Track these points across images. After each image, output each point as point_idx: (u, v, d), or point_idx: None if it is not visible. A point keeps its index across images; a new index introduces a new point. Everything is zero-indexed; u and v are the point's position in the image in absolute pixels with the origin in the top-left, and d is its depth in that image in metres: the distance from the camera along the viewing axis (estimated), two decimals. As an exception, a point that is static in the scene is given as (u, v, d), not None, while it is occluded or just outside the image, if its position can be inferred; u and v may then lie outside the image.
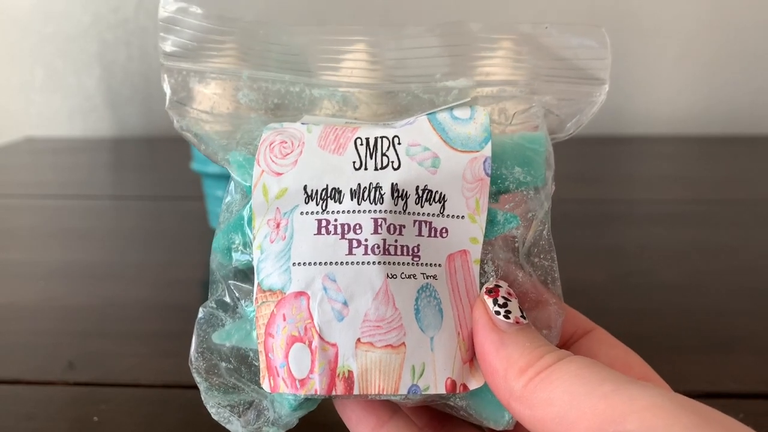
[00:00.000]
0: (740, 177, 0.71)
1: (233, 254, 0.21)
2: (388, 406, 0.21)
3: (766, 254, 0.49)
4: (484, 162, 0.20)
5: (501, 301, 0.19)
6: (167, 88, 0.22)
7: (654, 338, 0.36)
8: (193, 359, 0.21)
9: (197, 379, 0.21)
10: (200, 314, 0.22)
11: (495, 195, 0.21)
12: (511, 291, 0.20)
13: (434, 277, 0.20)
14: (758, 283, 0.44)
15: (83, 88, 0.97)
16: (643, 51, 0.88)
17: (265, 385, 0.20)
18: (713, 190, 0.66)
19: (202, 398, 0.21)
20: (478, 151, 0.20)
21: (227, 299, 0.22)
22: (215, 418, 0.21)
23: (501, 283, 0.20)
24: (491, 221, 0.20)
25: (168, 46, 0.22)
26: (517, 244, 0.21)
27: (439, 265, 0.20)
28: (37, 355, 0.36)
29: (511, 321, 0.19)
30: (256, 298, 0.20)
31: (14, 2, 0.93)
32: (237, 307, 0.21)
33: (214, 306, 0.22)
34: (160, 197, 0.68)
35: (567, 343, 0.22)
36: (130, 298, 0.44)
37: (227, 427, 0.21)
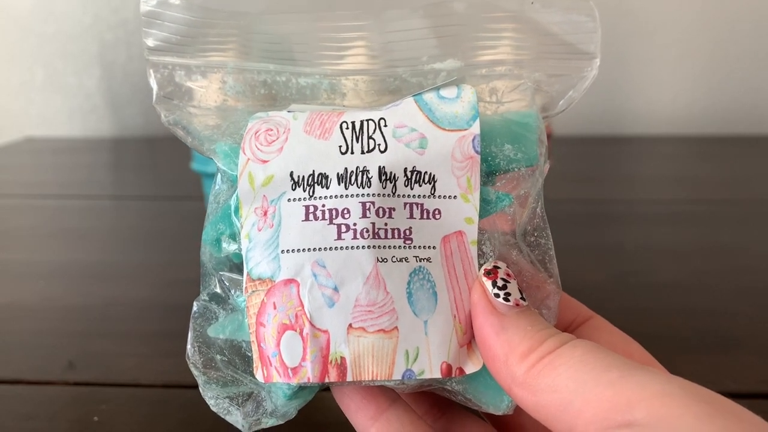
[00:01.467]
0: (740, 177, 0.71)
1: (223, 245, 0.21)
2: (388, 394, 0.20)
3: (766, 254, 0.49)
4: (473, 140, 0.20)
5: (500, 283, 0.19)
6: (153, 84, 0.22)
7: (654, 338, 0.36)
8: (189, 354, 0.21)
9: (195, 372, 0.21)
10: (194, 308, 0.21)
11: (486, 174, 0.20)
12: (510, 272, 0.19)
13: (428, 259, 0.19)
14: (758, 283, 0.44)
15: (83, 88, 0.97)
16: (643, 51, 0.88)
17: (259, 375, 0.20)
18: (713, 190, 0.66)
19: (201, 391, 0.21)
20: (466, 129, 0.20)
21: (219, 291, 0.22)
22: (214, 410, 0.21)
23: (500, 264, 0.19)
24: (483, 200, 0.20)
25: (151, 41, 0.22)
26: (511, 224, 0.21)
27: (434, 247, 0.20)
28: (37, 355, 0.36)
29: (510, 303, 0.18)
30: (246, 288, 0.20)
31: (14, 2, 0.93)
32: (229, 299, 0.21)
33: (207, 299, 0.22)
34: (160, 197, 0.68)
35: (566, 331, 0.22)
36: (130, 298, 0.44)
37: (227, 418, 0.21)
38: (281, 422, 0.21)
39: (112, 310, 0.42)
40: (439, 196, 0.20)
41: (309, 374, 0.19)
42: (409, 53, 0.22)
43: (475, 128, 0.20)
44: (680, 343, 0.36)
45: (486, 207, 0.20)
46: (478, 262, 0.20)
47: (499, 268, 0.19)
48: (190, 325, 0.21)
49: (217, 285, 0.22)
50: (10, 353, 0.37)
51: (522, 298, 0.18)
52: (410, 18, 0.22)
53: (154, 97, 0.22)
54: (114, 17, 0.93)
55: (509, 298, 0.18)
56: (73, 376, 0.34)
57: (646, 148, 0.85)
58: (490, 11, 0.22)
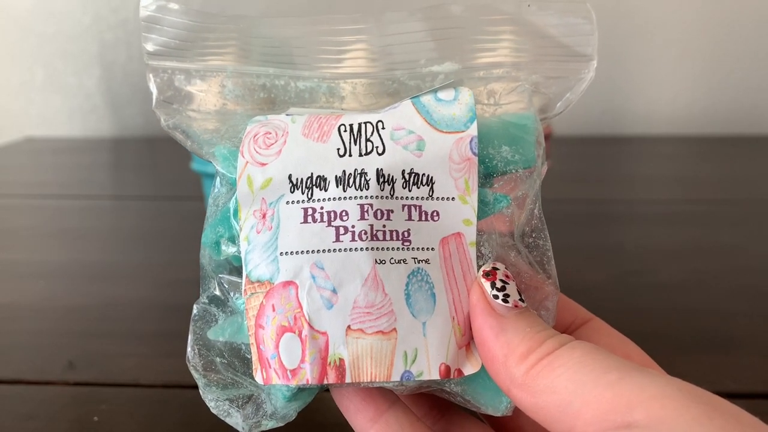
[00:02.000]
0: (740, 177, 0.71)
1: (222, 247, 0.21)
2: (387, 396, 0.20)
3: (766, 254, 0.49)
4: (471, 141, 0.20)
5: (499, 284, 0.19)
6: (153, 88, 0.22)
7: (654, 338, 0.36)
8: (189, 356, 0.21)
9: (195, 375, 0.21)
10: (194, 311, 0.22)
11: (484, 175, 0.21)
12: (509, 273, 0.19)
13: (426, 261, 0.19)
14: (758, 283, 0.44)
15: (83, 88, 0.97)
16: (643, 51, 0.88)
17: (258, 377, 0.20)
18: (713, 190, 0.66)
19: (201, 394, 0.21)
20: (463, 131, 0.20)
21: (219, 294, 0.22)
22: (215, 412, 0.21)
23: (498, 265, 0.19)
24: (481, 201, 0.20)
25: (151, 45, 0.22)
26: (509, 225, 0.21)
27: (432, 249, 0.20)
28: (37, 355, 0.36)
29: (509, 305, 0.18)
30: (245, 290, 0.20)
31: (14, 2, 0.93)
32: (228, 302, 0.21)
33: (207, 302, 0.22)
34: (160, 197, 0.68)
35: (565, 333, 0.22)
36: (130, 298, 0.44)
37: (227, 420, 0.21)
38: (281, 424, 0.21)
39: (112, 310, 0.42)
40: (437, 198, 0.20)
41: (308, 376, 0.19)
42: (407, 56, 0.22)
43: (473, 130, 0.20)
44: (680, 343, 0.36)
45: (484, 208, 0.20)
46: (478, 263, 0.20)
47: (497, 269, 0.19)
48: (190, 328, 0.21)
49: (217, 288, 0.22)
50: (10, 353, 0.37)
51: (521, 300, 0.18)
52: (408, 21, 0.22)
53: (154, 101, 0.22)
54: (114, 17, 0.93)
55: (508, 299, 0.18)
56: (73, 376, 0.34)
57: (646, 148, 0.85)
58: (487, 14, 0.22)
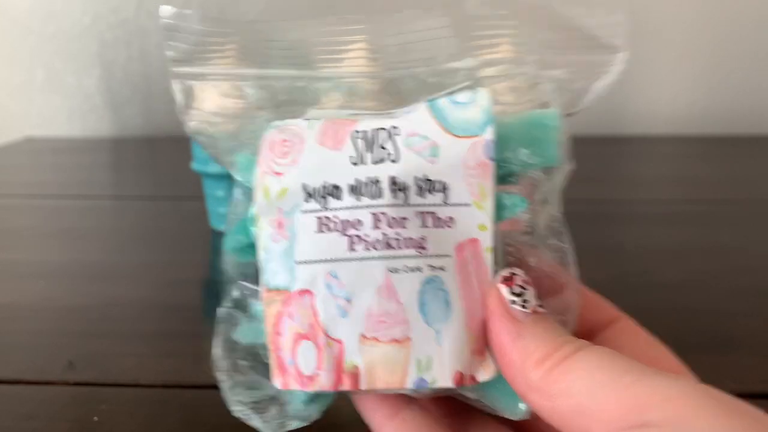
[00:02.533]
0: (740, 177, 0.71)
1: (242, 255, 0.22)
2: (404, 394, 0.21)
3: (766, 254, 0.49)
4: (486, 146, 0.20)
5: (517, 290, 0.19)
6: (177, 94, 0.23)
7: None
8: (216, 359, 0.21)
9: (221, 377, 0.21)
10: (220, 314, 0.22)
11: (501, 179, 0.20)
12: (528, 279, 0.19)
13: (442, 268, 0.19)
14: (758, 283, 0.44)
15: (83, 88, 0.97)
16: (643, 51, 0.88)
17: (276, 382, 0.20)
18: (713, 190, 0.66)
19: (225, 397, 0.21)
20: (478, 136, 0.20)
21: (241, 298, 0.22)
22: (238, 415, 0.21)
23: (517, 270, 0.19)
24: (498, 205, 0.20)
25: (173, 52, 0.23)
26: (528, 228, 0.20)
27: (448, 255, 0.19)
28: (37, 355, 0.36)
29: (527, 310, 0.18)
30: (263, 298, 0.20)
31: (14, 2, 0.93)
32: (249, 307, 0.22)
33: (231, 305, 0.22)
34: (160, 197, 0.68)
35: (591, 333, 0.22)
36: (130, 298, 0.44)
37: (250, 421, 0.21)
38: (305, 424, 0.21)
39: (112, 310, 0.42)
40: (452, 204, 0.20)
41: (324, 382, 0.19)
42: (425, 53, 0.22)
43: (489, 134, 0.20)
44: (680, 343, 0.36)
45: (501, 212, 0.20)
46: (495, 269, 0.20)
47: (516, 274, 0.19)
48: (216, 330, 0.22)
49: (238, 293, 0.22)
50: (10, 353, 0.37)
51: (539, 305, 0.18)
52: (426, 18, 0.22)
53: (178, 107, 0.23)
54: (114, 17, 0.93)
55: (526, 305, 0.18)
56: (73, 376, 0.34)
57: (646, 148, 0.85)
58: (508, 7, 0.22)
